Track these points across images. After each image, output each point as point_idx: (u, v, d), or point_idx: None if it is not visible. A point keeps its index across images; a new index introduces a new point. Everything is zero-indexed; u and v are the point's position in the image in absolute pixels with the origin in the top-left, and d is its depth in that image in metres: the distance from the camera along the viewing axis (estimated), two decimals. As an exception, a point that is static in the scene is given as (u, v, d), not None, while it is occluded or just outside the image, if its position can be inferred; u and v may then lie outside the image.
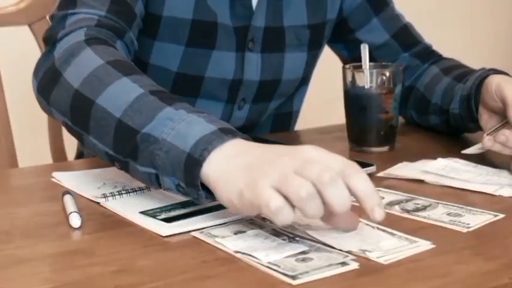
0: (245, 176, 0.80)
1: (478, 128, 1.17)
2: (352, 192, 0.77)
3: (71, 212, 0.88)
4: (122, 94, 0.93)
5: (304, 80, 1.37)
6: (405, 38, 1.38)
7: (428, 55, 1.38)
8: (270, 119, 1.37)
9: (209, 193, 0.84)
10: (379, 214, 0.77)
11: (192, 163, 0.83)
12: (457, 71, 1.28)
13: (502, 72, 1.16)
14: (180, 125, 0.87)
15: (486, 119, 1.14)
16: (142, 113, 0.90)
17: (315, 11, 1.31)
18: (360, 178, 0.78)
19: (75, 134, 1.00)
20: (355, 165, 0.79)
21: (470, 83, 1.18)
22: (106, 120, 0.93)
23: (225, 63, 1.24)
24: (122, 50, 1.09)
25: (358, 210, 0.79)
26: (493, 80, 1.11)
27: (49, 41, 1.09)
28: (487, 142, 1.06)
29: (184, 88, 1.24)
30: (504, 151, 1.05)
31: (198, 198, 0.85)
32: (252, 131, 1.34)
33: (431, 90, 1.30)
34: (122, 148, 0.91)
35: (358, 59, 1.23)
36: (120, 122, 0.91)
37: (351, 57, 1.37)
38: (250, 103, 1.30)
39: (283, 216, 0.76)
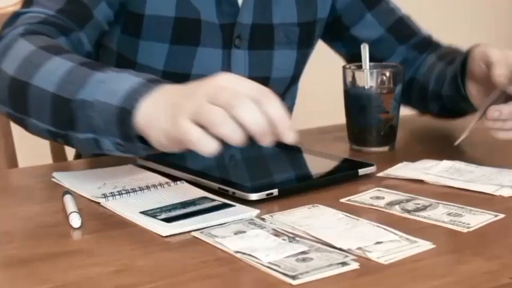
0: (167, 115, 0.84)
1: (471, 106, 1.17)
2: (264, 117, 0.80)
3: (71, 212, 0.88)
4: (54, 70, 0.97)
5: (294, 79, 1.37)
6: (401, 31, 1.38)
7: (426, 46, 1.38)
8: None
9: (147, 145, 0.89)
10: (290, 137, 0.81)
11: (124, 115, 0.88)
12: (451, 56, 1.28)
13: None
14: (110, 84, 0.92)
15: (475, 95, 1.14)
16: (74, 83, 0.94)
17: (304, 9, 1.31)
18: (271, 103, 0.81)
19: (19, 121, 1.03)
20: (267, 91, 0.82)
21: (457, 62, 1.19)
22: (42, 98, 0.96)
23: (210, 60, 1.25)
24: (64, 45, 1.10)
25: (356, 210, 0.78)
26: (477, 48, 1.12)
27: None
28: (489, 125, 1.05)
29: None
30: (506, 126, 1.05)
31: (137, 152, 0.90)
32: None
33: (428, 78, 1.30)
34: (60, 121, 0.95)
35: (357, 55, 1.24)
36: (55, 96, 0.95)
37: (349, 54, 1.38)
38: None
39: (205, 146, 0.80)
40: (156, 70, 1.23)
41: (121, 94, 0.89)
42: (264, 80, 1.30)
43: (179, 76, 1.24)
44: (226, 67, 1.26)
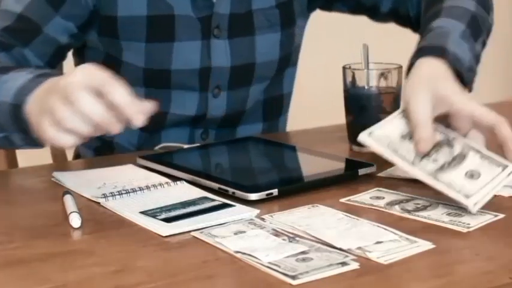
0: (36, 112, 0.90)
1: None
2: (113, 107, 0.84)
3: (71, 212, 0.88)
4: None
5: (286, 61, 1.35)
6: None
7: None
8: (260, 104, 1.35)
9: None
10: (139, 120, 0.84)
11: (16, 110, 0.95)
12: (429, 19, 1.17)
13: (437, 50, 1.05)
14: (10, 83, 0.99)
15: None
16: None
17: None
18: (114, 91, 0.84)
19: None
20: (110, 80, 0.85)
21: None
22: None
23: (188, 53, 1.25)
24: (4, 60, 1.15)
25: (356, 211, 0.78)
26: (407, 83, 1.02)
27: None
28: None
29: (156, 82, 1.26)
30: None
31: (41, 143, 0.94)
32: (240, 119, 1.33)
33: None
34: None
35: (360, 7, 1.30)
36: None
37: (353, 10, 1.38)
38: (226, 90, 1.29)
39: (61, 141, 0.86)
40: (139, 68, 1.24)
41: (13, 91, 0.97)
42: (250, 67, 1.30)
43: (160, 73, 1.25)
44: (207, 58, 1.26)
